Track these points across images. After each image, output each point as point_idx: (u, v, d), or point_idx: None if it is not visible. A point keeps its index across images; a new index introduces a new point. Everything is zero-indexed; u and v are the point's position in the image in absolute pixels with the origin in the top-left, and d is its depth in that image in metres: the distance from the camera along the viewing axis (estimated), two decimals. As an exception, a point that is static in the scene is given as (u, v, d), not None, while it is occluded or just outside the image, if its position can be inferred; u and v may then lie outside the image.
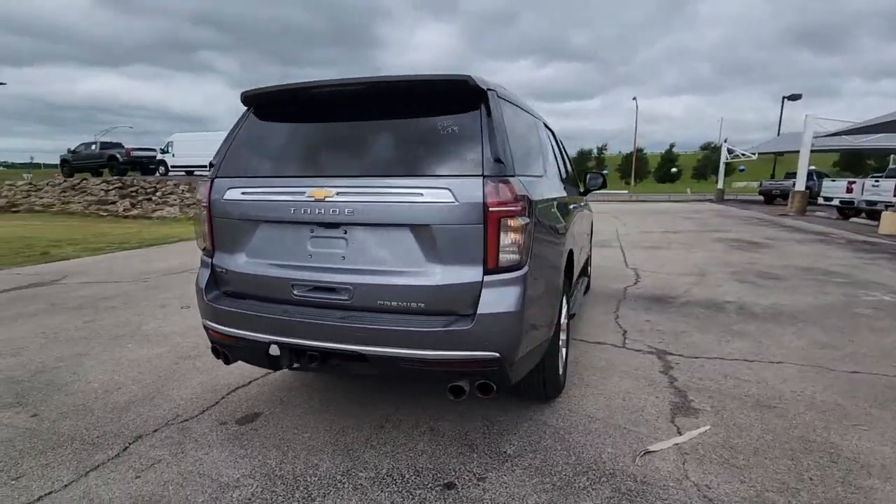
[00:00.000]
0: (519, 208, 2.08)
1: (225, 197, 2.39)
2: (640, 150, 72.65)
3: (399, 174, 2.15)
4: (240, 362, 2.58)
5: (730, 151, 29.27)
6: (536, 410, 2.84)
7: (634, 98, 65.71)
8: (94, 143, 27.68)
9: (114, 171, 26.21)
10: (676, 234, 11.98)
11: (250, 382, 3.25)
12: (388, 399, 2.99)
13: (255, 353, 2.32)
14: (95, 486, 2.17)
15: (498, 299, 2.05)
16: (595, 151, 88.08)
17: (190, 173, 25.96)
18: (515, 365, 2.16)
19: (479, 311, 2.02)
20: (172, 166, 26.25)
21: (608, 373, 3.40)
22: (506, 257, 2.07)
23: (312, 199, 2.18)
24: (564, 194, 3.12)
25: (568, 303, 3.02)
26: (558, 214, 2.66)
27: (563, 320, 3.07)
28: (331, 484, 2.18)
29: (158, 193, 20.21)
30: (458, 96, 2.16)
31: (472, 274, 2.06)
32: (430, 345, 2.03)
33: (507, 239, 2.06)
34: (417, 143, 2.21)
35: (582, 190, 4.92)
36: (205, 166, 25.27)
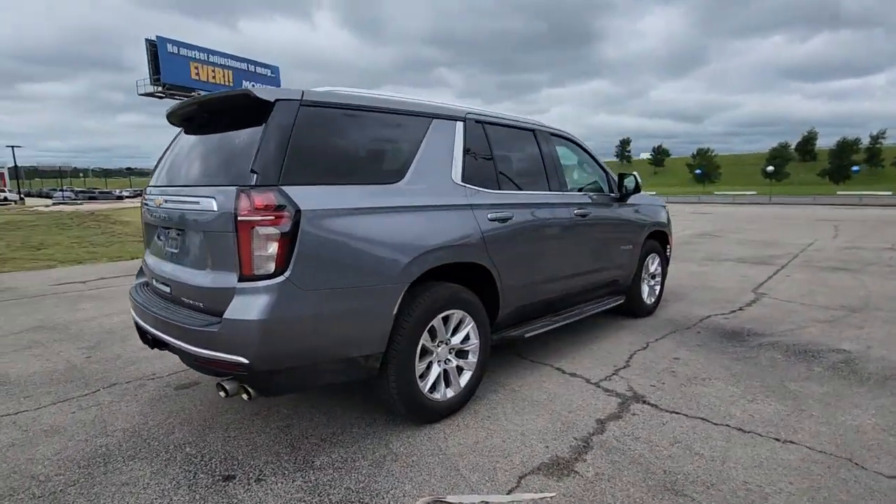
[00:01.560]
0: (272, 218, 2.06)
1: (144, 202, 2.95)
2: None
3: (198, 184, 2.35)
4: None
5: None
6: (396, 434, 2.68)
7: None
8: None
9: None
10: (901, 252, 8.82)
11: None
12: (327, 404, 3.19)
13: (142, 336, 2.79)
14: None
15: (245, 306, 2.07)
16: (867, 140, 67.93)
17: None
18: (278, 374, 2.15)
19: (224, 316, 2.09)
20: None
21: (534, 409, 2.93)
22: (259, 266, 2.08)
23: (155, 205, 2.55)
24: (447, 202, 2.77)
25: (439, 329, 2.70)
26: (372, 227, 2.43)
27: (456, 339, 2.80)
28: (159, 448, 2.52)
29: None
30: (250, 109, 2.23)
31: (229, 279, 2.13)
32: (194, 341, 2.19)
33: (259, 247, 2.06)
34: (218, 154, 2.36)
35: (617, 195, 4.23)
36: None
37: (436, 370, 2.75)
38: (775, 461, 2.36)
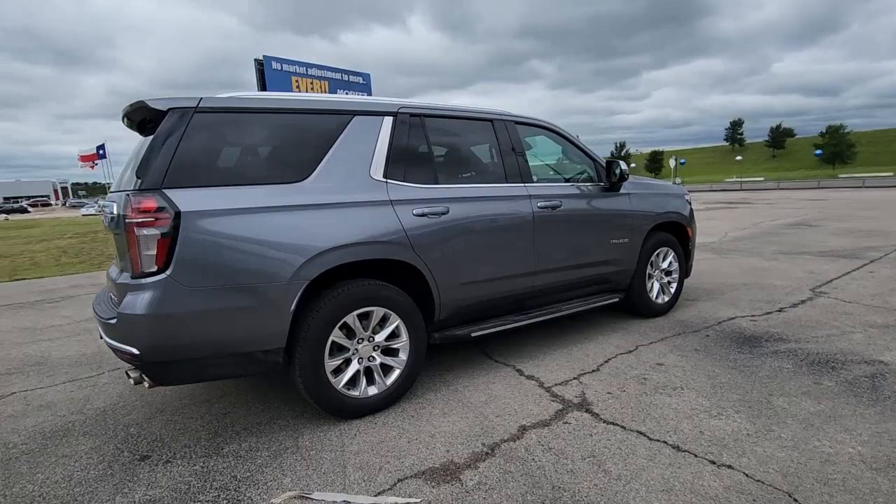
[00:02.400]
0: (153, 219, 2.21)
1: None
2: None
3: (117, 189, 2.57)
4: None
5: None
6: (312, 427, 2.73)
7: None
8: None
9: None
10: None
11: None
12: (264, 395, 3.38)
13: None
14: (50, 391, 3.45)
15: (133, 301, 2.24)
16: None
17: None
18: (171, 364, 2.30)
19: (118, 310, 2.28)
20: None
21: (464, 411, 2.82)
22: (145, 264, 2.23)
23: (99, 209, 2.85)
24: (369, 198, 2.74)
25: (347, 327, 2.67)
26: (266, 226, 2.44)
27: (377, 335, 2.78)
28: (110, 426, 2.82)
29: None
30: (154, 117, 2.40)
31: (127, 276, 2.32)
32: (105, 331, 2.41)
33: (143, 247, 2.22)
34: (133, 161, 2.55)
35: (606, 184, 3.91)
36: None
37: (354, 367, 2.75)
38: (691, 487, 2.04)
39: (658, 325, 4.21)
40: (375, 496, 2.10)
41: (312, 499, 2.10)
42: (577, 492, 2.06)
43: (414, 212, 2.88)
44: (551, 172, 3.98)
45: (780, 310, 4.47)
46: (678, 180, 37.46)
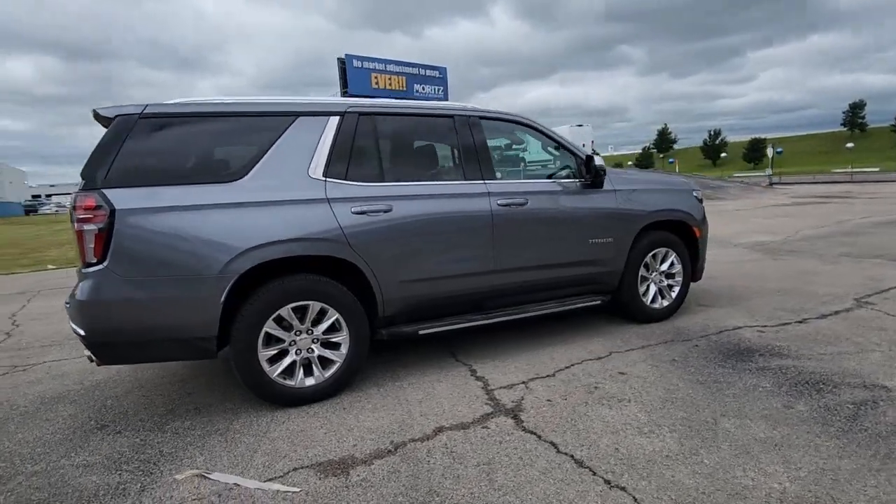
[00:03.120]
0: (91, 216, 2.46)
1: None
2: None
3: None
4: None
5: None
6: (249, 412, 2.90)
7: None
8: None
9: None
10: None
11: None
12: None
13: None
14: (69, 363, 3.96)
15: (80, 289, 2.51)
16: None
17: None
18: (112, 346, 2.56)
19: (73, 295, 2.58)
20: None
21: (394, 408, 2.85)
22: (88, 256, 2.50)
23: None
24: (299, 196, 2.84)
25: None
26: (193, 223, 2.61)
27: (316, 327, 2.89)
28: (96, 397, 3.20)
29: None
30: (106, 123, 2.66)
31: (83, 266, 2.60)
32: (68, 315, 2.74)
33: (86, 241, 2.48)
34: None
35: (587, 181, 3.73)
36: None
37: (291, 358, 2.88)
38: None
39: (649, 331, 3.93)
40: (264, 482, 2.21)
41: (210, 478, 2.25)
42: (450, 498, 2.02)
43: (352, 210, 2.93)
44: (525, 169, 3.85)
45: (803, 321, 3.97)
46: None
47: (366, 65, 45.17)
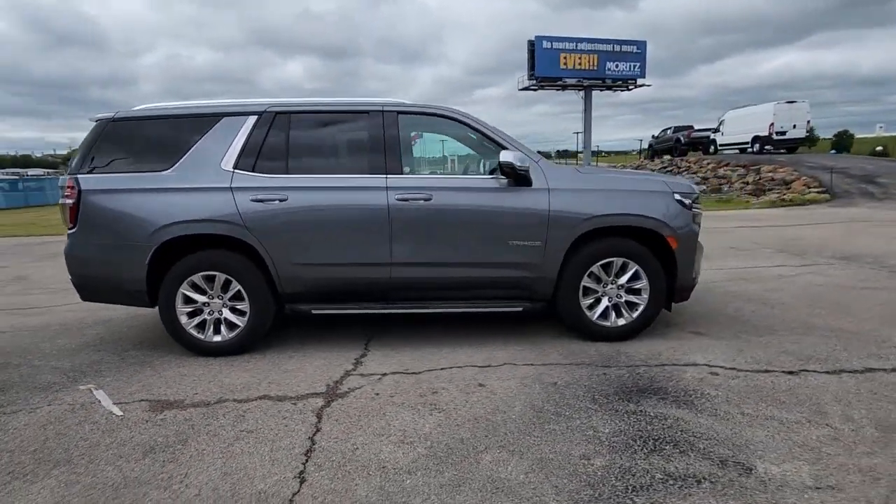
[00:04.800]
0: (68, 194, 3.42)
1: None
2: None
3: None
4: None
5: None
6: (170, 357, 3.64)
7: None
8: (670, 127, 31.21)
9: (675, 153, 28.92)
10: None
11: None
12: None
13: None
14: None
15: (65, 245, 3.52)
16: None
17: (742, 150, 24.63)
18: (84, 288, 3.54)
19: (64, 250, 3.63)
20: (720, 144, 25.80)
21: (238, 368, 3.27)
22: (68, 222, 3.46)
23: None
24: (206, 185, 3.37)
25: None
26: (132, 203, 3.35)
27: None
28: (100, 354, 4.37)
29: (685, 172, 21.48)
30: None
31: (67, 229, 3.60)
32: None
33: (65, 211, 3.46)
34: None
35: (509, 180, 3.51)
36: (747, 144, 23.61)
37: (203, 317, 3.52)
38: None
39: (581, 349, 3.48)
40: (114, 403, 2.88)
41: (92, 392, 3.03)
42: (188, 453, 2.38)
43: (251, 198, 3.38)
44: (445, 164, 3.72)
45: (798, 372, 3.02)
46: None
47: (555, 45, 44.38)
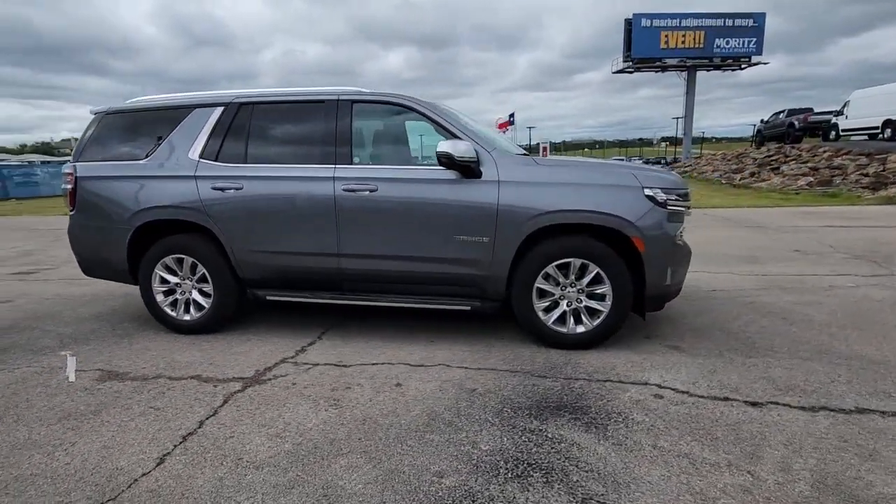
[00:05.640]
0: (69, 179, 3.81)
1: None
2: None
3: None
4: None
5: None
6: (147, 331, 3.94)
7: None
8: (783, 111, 27.65)
9: (787, 139, 25.61)
10: None
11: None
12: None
13: None
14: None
15: (67, 226, 3.95)
16: None
17: (872, 137, 21.10)
18: (84, 265, 3.95)
19: (72, 227, 4.06)
20: (843, 130, 22.22)
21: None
22: (69, 205, 3.88)
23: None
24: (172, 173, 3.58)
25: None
26: (115, 189, 3.63)
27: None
28: (93, 329, 4.84)
29: (793, 162, 18.94)
30: (95, 118, 3.98)
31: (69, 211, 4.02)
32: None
33: (67, 195, 3.87)
34: None
35: (457, 173, 3.34)
36: (877, 129, 20.10)
37: (175, 297, 3.78)
38: (113, 453, 2.25)
39: (529, 355, 3.22)
40: (76, 371, 3.20)
41: (66, 359, 3.38)
42: (91, 418, 2.57)
43: (211, 186, 3.54)
44: (398, 154, 3.56)
45: (764, 404, 2.54)
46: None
47: (655, 23, 41.33)
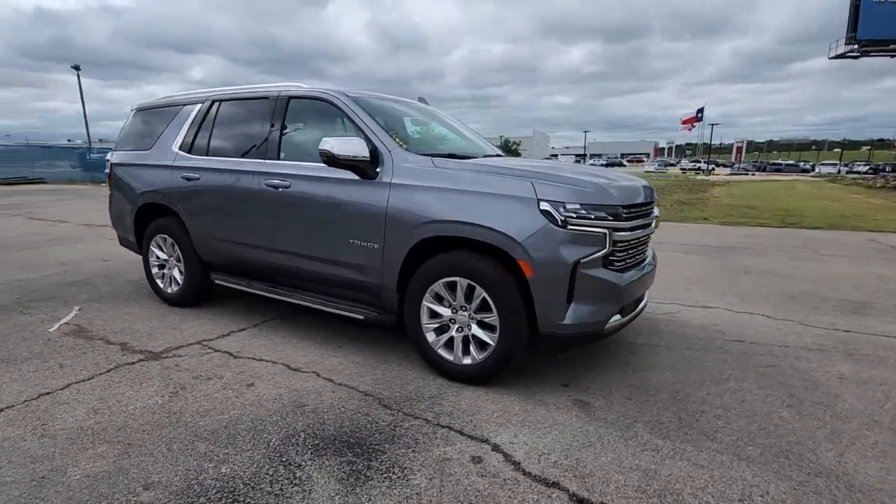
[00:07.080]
0: (108, 165, 4.59)
1: None
2: None
3: None
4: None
5: None
6: (143, 303, 4.52)
7: None
8: None
9: None
10: None
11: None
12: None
13: None
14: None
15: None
16: None
17: None
18: (119, 236, 4.74)
19: (114, 205, 4.87)
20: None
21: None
22: (108, 186, 4.68)
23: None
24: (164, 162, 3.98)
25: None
26: (130, 174, 4.19)
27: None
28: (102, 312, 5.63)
29: None
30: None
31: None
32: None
33: (107, 178, 4.66)
34: None
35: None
36: None
37: (164, 271, 4.30)
38: (-17, 397, 2.66)
39: (407, 380, 2.86)
40: (64, 324, 3.86)
41: (74, 311, 4.10)
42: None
43: (181, 175, 3.91)
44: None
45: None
46: None
47: None
